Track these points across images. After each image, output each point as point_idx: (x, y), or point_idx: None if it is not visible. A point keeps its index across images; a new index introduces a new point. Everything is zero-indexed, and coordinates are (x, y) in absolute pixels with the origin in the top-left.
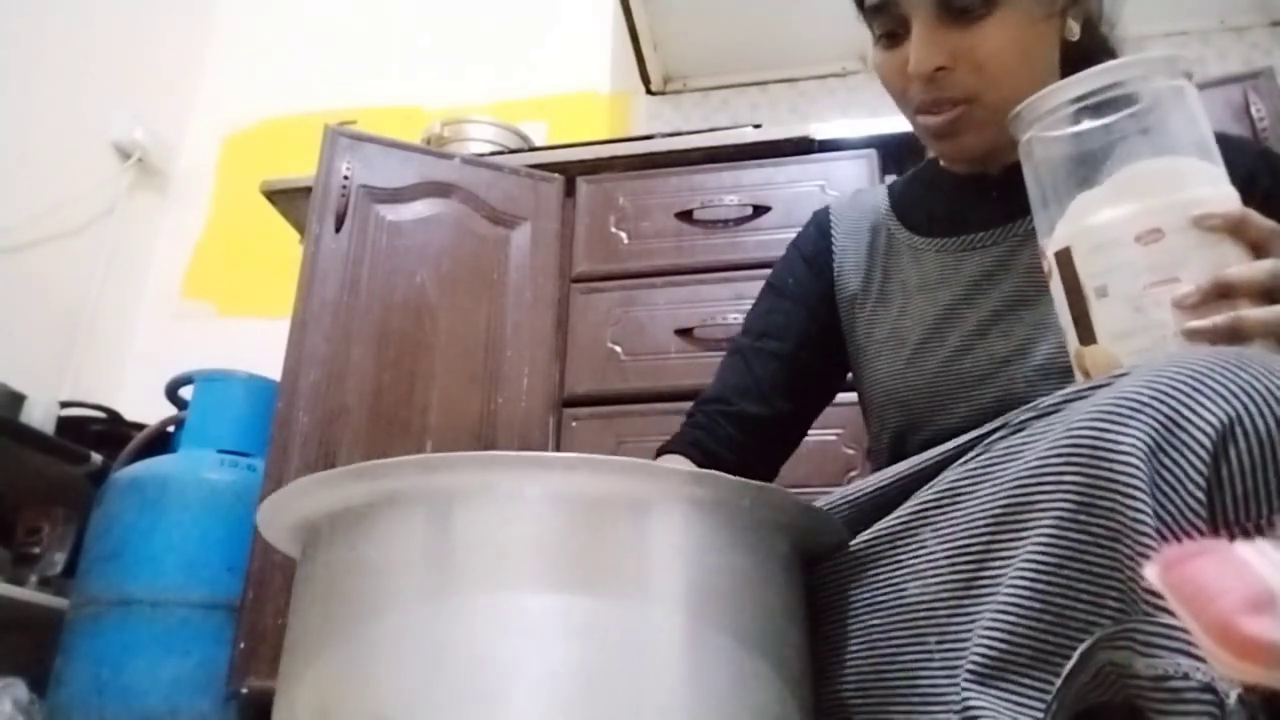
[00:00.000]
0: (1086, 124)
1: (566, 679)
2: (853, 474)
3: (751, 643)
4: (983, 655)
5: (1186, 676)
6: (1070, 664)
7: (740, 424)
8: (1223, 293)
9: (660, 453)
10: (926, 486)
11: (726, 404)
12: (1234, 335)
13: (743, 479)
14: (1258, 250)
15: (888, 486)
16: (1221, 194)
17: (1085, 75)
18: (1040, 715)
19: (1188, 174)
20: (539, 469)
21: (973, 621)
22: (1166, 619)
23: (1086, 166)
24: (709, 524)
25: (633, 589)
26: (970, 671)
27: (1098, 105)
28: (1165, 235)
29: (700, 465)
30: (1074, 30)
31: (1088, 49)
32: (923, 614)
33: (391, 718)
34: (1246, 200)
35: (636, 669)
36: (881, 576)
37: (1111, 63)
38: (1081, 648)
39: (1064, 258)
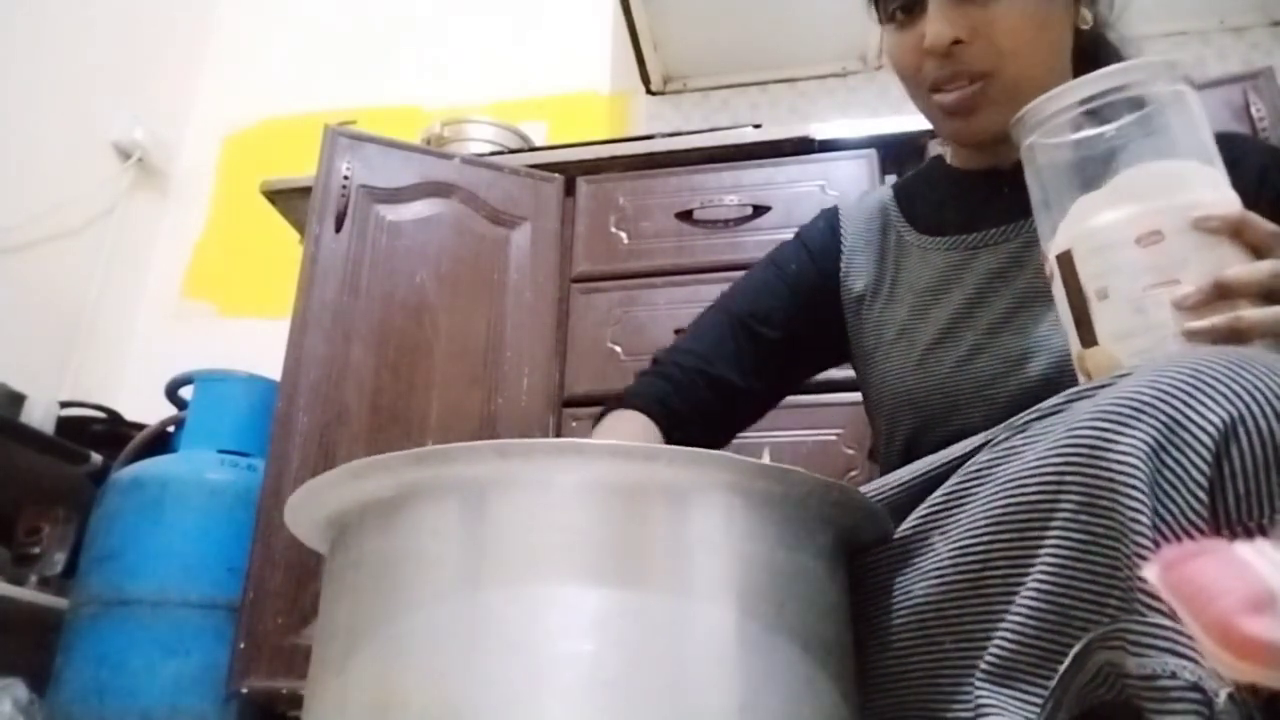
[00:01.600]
0: (1088, 129)
1: (607, 673)
2: (853, 473)
3: (795, 637)
4: (995, 655)
5: (1174, 676)
6: (1065, 664)
7: (717, 389)
8: (1223, 293)
9: (619, 402)
10: (935, 492)
11: (706, 365)
12: (1234, 336)
13: (790, 467)
14: (1258, 252)
15: (898, 492)
16: (1221, 196)
17: (1086, 79)
18: (1036, 713)
19: (1188, 177)
20: (576, 457)
21: (986, 621)
22: (1156, 618)
23: (1088, 170)
24: (750, 513)
25: (673, 581)
26: (983, 671)
27: (1099, 109)
28: (1165, 237)
29: (662, 428)
30: (1087, 19)
31: (1096, 45)
32: (931, 615)
33: (462, 707)
34: (1258, 198)
35: (678, 663)
36: (897, 582)
37: (1112, 67)
38: (1075, 648)
39: (1065, 260)
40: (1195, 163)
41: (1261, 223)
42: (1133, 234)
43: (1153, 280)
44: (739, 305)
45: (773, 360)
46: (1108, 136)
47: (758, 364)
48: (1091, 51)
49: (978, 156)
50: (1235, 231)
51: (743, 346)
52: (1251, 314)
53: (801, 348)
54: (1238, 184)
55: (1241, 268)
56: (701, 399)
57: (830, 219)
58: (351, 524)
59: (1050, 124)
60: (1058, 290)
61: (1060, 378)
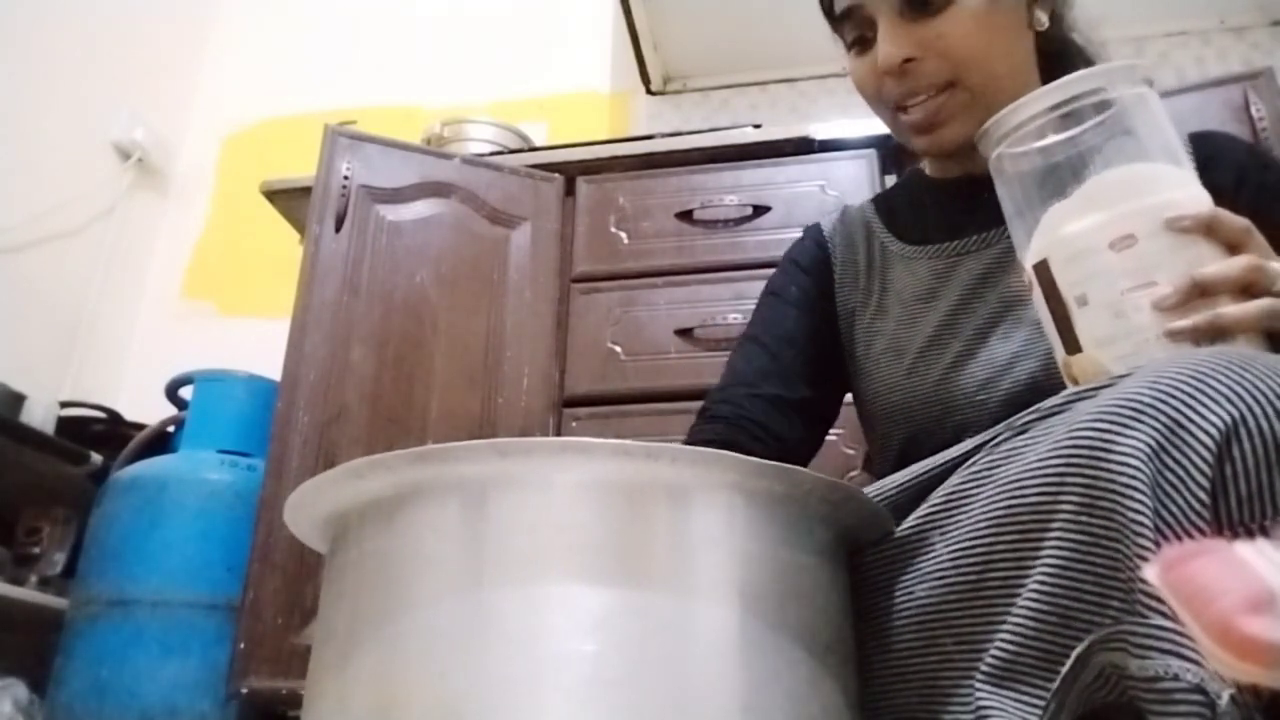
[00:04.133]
0: (1053, 137)
1: (609, 672)
2: (852, 473)
3: (797, 637)
4: (996, 656)
5: (1176, 677)
6: (1067, 666)
7: (768, 405)
8: (1200, 292)
9: None
10: (935, 492)
11: (751, 387)
12: (1216, 333)
13: (792, 466)
14: (1232, 248)
15: (898, 493)
16: (1191, 195)
17: (1048, 89)
18: (1038, 715)
19: (1156, 179)
20: (576, 456)
21: (987, 622)
22: (1158, 620)
23: (1056, 178)
24: (752, 512)
25: (675, 581)
26: (983, 673)
27: (1063, 117)
28: (1139, 240)
29: None
30: (1041, 20)
31: (1061, 46)
32: (933, 616)
33: (464, 708)
34: (1236, 196)
35: (680, 663)
36: (897, 582)
37: (1073, 75)
38: (1077, 649)
39: (1042, 270)
40: (1163, 164)
41: (1233, 219)
42: (1106, 239)
43: (1130, 284)
44: (758, 332)
45: (811, 365)
46: (1074, 143)
47: (800, 371)
48: (1055, 54)
49: (953, 165)
50: (1208, 229)
51: (781, 360)
52: (1232, 310)
53: (827, 358)
54: (1215, 181)
55: (1217, 265)
56: (755, 423)
57: (816, 237)
58: (351, 523)
59: (1015, 135)
60: (1038, 299)
61: (1049, 380)
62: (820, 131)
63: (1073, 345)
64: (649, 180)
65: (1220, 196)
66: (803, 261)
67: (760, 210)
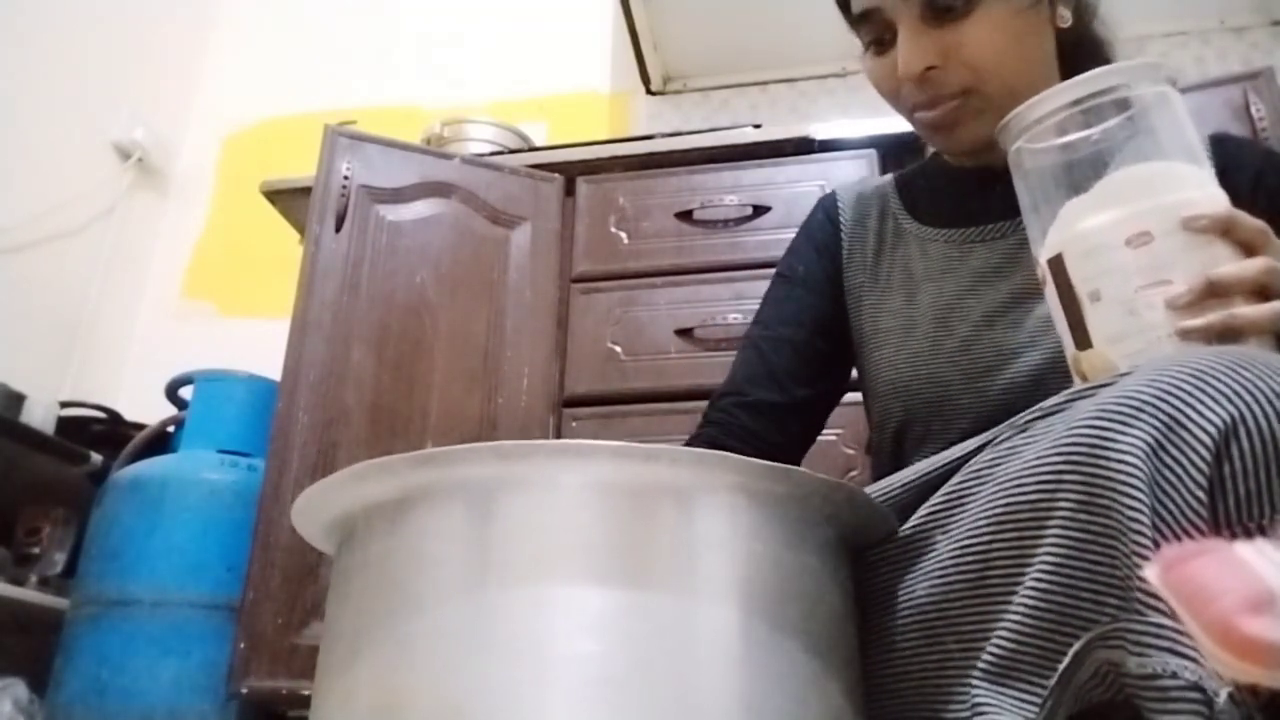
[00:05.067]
0: (1073, 133)
1: (612, 673)
2: (853, 473)
3: (801, 637)
4: (993, 654)
5: (1175, 675)
6: (1064, 663)
7: (756, 413)
8: (1214, 292)
9: None
10: (938, 491)
11: (741, 395)
12: (1228, 333)
13: (793, 467)
14: (1248, 250)
15: (902, 492)
16: (1209, 195)
17: (1071, 84)
18: (1035, 712)
19: (1175, 177)
20: (581, 458)
21: (987, 620)
22: (1156, 617)
23: (1075, 174)
24: (755, 513)
25: (678, 581)
26: (981, 670)
27: (1084, 113)
28: (1154, 238)
29: None
30: (1065, 17)
31: (1082, 40)
32: (934, 614)
33: (469, 708)
34: (1253, 201)
35: (683, 663)
36: (900, 581)
37: (1096, 71)
38: (1075, 646)
39: (1056, 265)
40: (1181, 163)
41: (1250, 220)
42: (1122, 236)
43: (1144, 281)
44: (761, 325)
45: (809, 361)
46: (1093, 140)
47: (793, 370)
48: (1076, 49)
49: (971, 159)
50: (1224, 230)
51: (773, 361)
52: (1245, 311)
53: (833, 341)
54: (1232, 187)
55: (1233, 265)
56: (744, 428)
57: (828, 209)
58: (358, 526)
59: (1035, 129)
60: (1050, 294)
61: (1052, 373)
62: (820, 131)
63: (1083, 341)
64: (649, 180)
65: (1237, 200)
66: (812, 236)
67: (760, 210)
